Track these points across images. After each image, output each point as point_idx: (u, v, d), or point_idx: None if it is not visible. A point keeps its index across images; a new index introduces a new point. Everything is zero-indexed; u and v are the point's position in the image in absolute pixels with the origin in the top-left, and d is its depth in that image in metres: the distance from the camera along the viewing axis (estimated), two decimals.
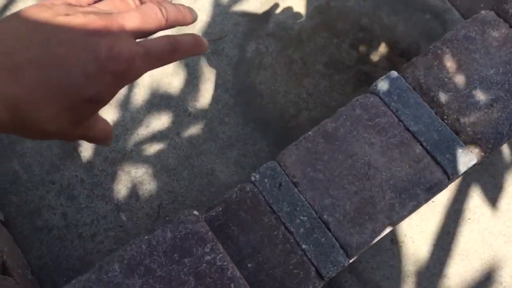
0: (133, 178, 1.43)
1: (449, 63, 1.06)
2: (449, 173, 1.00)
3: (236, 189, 1.03)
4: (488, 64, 1.06)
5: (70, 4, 0.34)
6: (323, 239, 0.98)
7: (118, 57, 0.32)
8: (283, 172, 1.03)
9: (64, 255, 1.39)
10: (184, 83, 1.51)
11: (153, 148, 1.45)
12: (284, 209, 1.00)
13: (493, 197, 1.33)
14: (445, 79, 1.05)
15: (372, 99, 1.06)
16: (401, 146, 1.02)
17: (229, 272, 0.86)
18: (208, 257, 0.87)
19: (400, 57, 1.48)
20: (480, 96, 1.03)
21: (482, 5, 1.50)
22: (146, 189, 1.42)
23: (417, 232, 1.31)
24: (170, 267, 0.86)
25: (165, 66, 1.51)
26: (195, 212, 0.93)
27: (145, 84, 1.50)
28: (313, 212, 1.00)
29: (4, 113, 0.30)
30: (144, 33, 0.35)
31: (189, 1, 1.58)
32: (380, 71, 1.47)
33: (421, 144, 1.02)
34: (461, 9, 1.50)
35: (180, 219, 0.91)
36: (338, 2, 1.56)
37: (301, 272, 0.96)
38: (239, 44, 1.54)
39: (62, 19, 0.32)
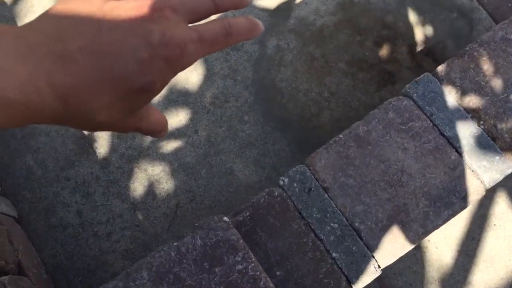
0: (150, 176, 1.40)
1: (486, 66, 1.02)
2: (486, 181, 0.96)
3: (264, 193, 1.00)
4: None
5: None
6: (354, 248, 0.94)
7: (171, 42, 0.30)
8: (312, 176, 0.99)
9: (79, 254, 1.35)
10: (202, 79, 1.47)
11: (170, 146, 1.41)
12: (314, 215, 0.97)
13: None
14: (482, 83, 1.01)
15: (405, 102, 1.02)
16: (436, 152, 0.98)
17: (261, 283, 0.83)
18: (239, 266, 0.84)
19: (425, 56, 1.44)
20: None
21: (510, 4, 1.46)
22: (163, 188, 1.39)
23: (441, 237, 1.28)
24: (200, 276, 0.82)
25: None
26: (225, 218, 0.90)
27: None
28: (344, 219, 0.96)
29: (57, 103, 0.29)
30: (197, 18, 0.33)
31: None
32: (404, 71, 1.43)
33: (457, 150, 0.99)
34: (488, 8, 1.46)
35: (210, 225, 0.88)
36: None
37: (332, 282, 0.93)
38: (259, 39, 1.50)
39: (114, 5, 0.31)
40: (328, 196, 0.98)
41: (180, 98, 1.45)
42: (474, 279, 1.26)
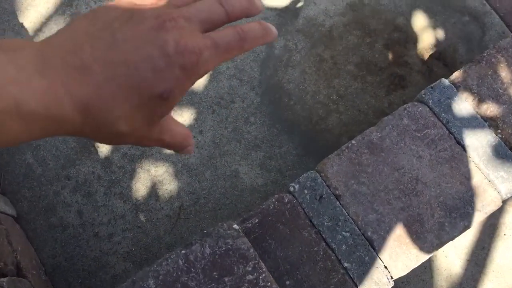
0: (153, 177, 1.37)
1: (504, 73, 0.99)
2: (503, 192, 0.94)
3: (273, 200, 0.97)
4: None
5: (135, 3, 0.33)
6: (366, 258, 0.92)
7: (186, 51, 0.31)
8: (324, 183, 0.96)
9: (79, 255, 1.32)
10: (207, 79, 1.44)
11: None
12: (325, 223, 0.94)
13: None
14: (500, 90, 0.98)
15: (420, 108, 0.99)
16: (452, 160, 0.96)
17: None
18: (250, 277, 0.81)
19: (436, 60, 1.41)
20: None
21: None
22: (166, 189, 1.35)
23: (450, 246, 1.25)
24: (209, 286, 0.79)
25: None
26: (235, 226, 0.87)
27: None
28: (356, 228, 0.93)
29: (76, 113, 0.30)
30: (210, 27, 0.34)
31: None
32: (415, 74, 1.41)
33: (473, 160, 0.96)
34: (500, 12, 1.44)
35: (219, 233, 0.85)
36: None
37: None
38: None
39: (128, 16, 0.32)
40: (340, 204, 0.95)
41: (185, 97, 1.42)
42: None
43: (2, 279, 1.08)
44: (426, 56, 1.42)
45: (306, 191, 0.97)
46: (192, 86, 1.41)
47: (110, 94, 0.31)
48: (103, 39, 0.31)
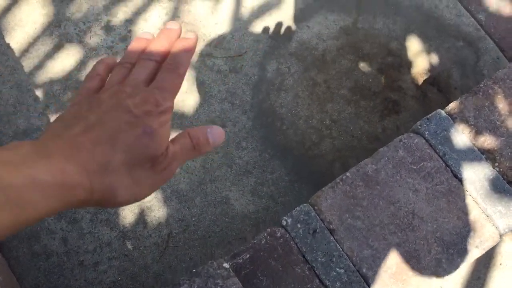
0: (141, 203, 1.33)
1: (501, 105, 0.98)
2: (501, 228, 0.91)
3: (265, 234, 0.93)
4: None
5: (118, 89, 0.42)
6: None
7: (143, 103, 0.41)
8: (317, 217, 0.93)
9: (63, 284, 1.27)
10: (198, 102, 1.41)
11: None
12: (319, 259, 0.91)
13: None
14: (497, 122, 0.96)
15: (416, 140, 0.97)
16: (449, 194, 0.93)
17: None
18: None
19: (430, 85, 1.40)
20: None
21: None
22: (154, 216, 1.32)
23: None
24: None
25: None
26: (226, 265, 0.83)
27: None
28: (351, 264, 0.90)
29: (85, 180, 0.36)
30: (152, 76, 0.44)
31: (207, 14, 1.48)
32: (409, 100, 1.39)
33: (471, 194, 0.93)
34: (495, 37, 1.43)
35: (208, 272, 0.81)
36: (365, 23, 1.47)
37: None
38: (259, 62, 1.44)
39: (98, 100, 0.42)
40: (334, 238, 0.92)
41: (175, 121, 1.39)
42: None
43: None
44: (420, 81, 1.40)
45: (299, 225, 0.94)
46: (183, 110, 1.38)
47: (104, 167, 0.37)
48: (84, 117, 0.40)
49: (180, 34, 0.47)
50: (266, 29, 1.46)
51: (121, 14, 1.48)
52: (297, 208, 0.95)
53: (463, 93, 1.34)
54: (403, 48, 1.44)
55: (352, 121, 1.38)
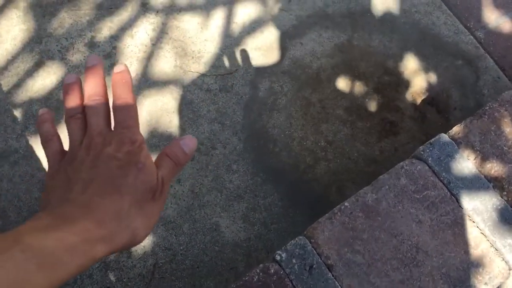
0: None
1: (509, 129, 0.92)
2: (511, 262, 0.85)
3: (258, 270, 0.86)
4: None
5: (89, 143, 0.45)
6: None
7: (120, 147, 0.44)
8: (314, 251, 0.86)
9: None
10: (186, 122, 1.34)
11: None
12: None
13: None
14: (504, 148, 0.90)
15: (419, 167, 0.91)
16: (455, 226, 0.86)
17: None
18: None
19: (429, 105, 1.34)
20: None
21: None
22: (140, 245, 1.23)
23: None
24: None
25: (166, 102, 1.34)
26: None
27: (143, 122, 1.32)
28: None
29: (101, 249, 0.38)
30: (109, 120, 0.48)
31: (196, 30, 1.41)
32: (407, 120, 1.33)
33: (478, 225, 0.87)
34: (494, 56, 1.38)
35: None
36: (361, 41, 1.42)
37: None
38: (250, 81, 1.38)
39: (93, 156, 0.45)
40: (333, 275, 0.85)
41: (162, 142, 1.31)
42: None
43: None
44: (418, 100, 1.35)
45: (294, 261, 0.86)
46: (170, 131, 1.31)
47: (118, 214, 0.40)
48: (82, 179, 0.42)
49: (102, 66, 0.50)
50: (257, 46, 1.40)
51: (106, 30, 1.41)
52: (292, 241, 0.87)
53: (463, 114, 1.28)
54: (400, 67, 1.38)
55: (348, 142, 1.32)
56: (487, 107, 0.95)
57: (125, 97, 0.47)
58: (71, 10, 1.43)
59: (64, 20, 1.42)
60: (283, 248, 0.88)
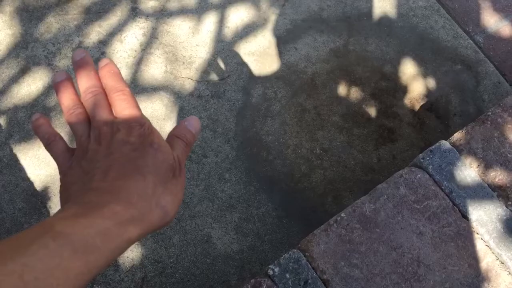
0: None
1: None
2: None
3: (249, 286, 0.81)
4: None
5: (99, 133, 0.45)
6: None
7: (130, 130, 0.44)
8: (309, 265, 0.81)
9: None
10: None
11: None
12: None
13: None
14: (509, 155, 0.86)
15: (419, 175, 0.86)
16: (458, 238, 0.82)
17: None
18: None
19: (428, 111, 1.30)
20: None
21: None
22: (127, 257, 1.18)
23: None
24: None
25: (157, 109, 1.29)
26: None
27: None
28: None
29: (134, 229, 0.38)
30: (109, 108, 0.47)
31: (187, 35, 1.37)
32: (405, 127, 1.28)
33: (482, 237, 0.82)
34: (495, 61, 1.34)
35: None
36: (357, 45, 1.38)
37: None
38: (243, 87, 1.33)
39: (105, 145, 0.44)
40: None
41: None
42: None
43: None
44: (416, 106, 1.30)
45: (288, 275, 0.81)
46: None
47: (145, 194, 0.40)
48: (100, 168, 0.41)
49: (90, 57, 0.49)
50: (251, 51, 1.36)
51: (94, 35, 1.36)
52: (286, 255, 0.82)
53: (463, 120, 1.24)
54: (397, 72, 1.34)
55: (345, 150, 1.27)
56: (490, 113, 0.91)
57: (119, 86, 0.46)
58: (58, 15, 1.39)
59: (51, 24, 1.37)
60: (276, 262, 0.83)
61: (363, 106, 1.31)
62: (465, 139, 0.89)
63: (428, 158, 0.88)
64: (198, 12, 1.41)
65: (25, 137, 1.25)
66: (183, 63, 1.35)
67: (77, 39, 1.36)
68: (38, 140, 1.27)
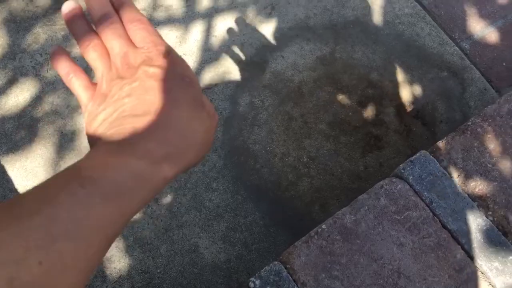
0: None
1: (492, 145, 0.88)
2: (498, 287, 0.80)
3: None
4: None
5: (122, 65, 0.40)
6: None
7: (148, 58, 0.39)
8: (290, 277, 0.81)
9: None
10: None
11: None
12: None
13: None
14: (488, 165, 0.86)
15: (399, 186, 0.86)
16: (438, 249, 0.82)
17: None
18: None
19: (414, 119, 1.30)
20: None
21: (504, 64, 1.34)
22: (115, 267, 1.18)
23: None
24: None
25: None
26: None
27: None
28: None
29: (169, 168, 0.35)
30: (128, 39, 0.41)
31: (174, 44, 1.37)
32: (392, 134, 1.29)
33: (463, 247, 0.82)
34: (481, 67, 1.34)
35: None
36: (344, 53, 1.38)
37: None
38: (230, 95, 1.34)
39: (130, 75, 0.39)
40: None
41: None
42: None
43: None
44: (403, 114, 1.31)
45: None
46: None
47: (179, 128, 0.37)
48: (129, 102, 0.37)
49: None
50: (237, 60, 1.36)
51: None
52: (267, 267, 0.83)
53: (449, 127, 1.24)
54: (384, 79, 1.35)
55: (332, 158, 1.27)
56: (470, 123, 0.91)
57: (136, 16, 0.41)
58: (46, 25, 1.39)
59: (39, 35, 1.38)
60: (257, 274, 0.83)
61: (350, 114, 1.31)
62: (446, 149, 0.89)
63: (408, 169, 0.88)
64: (185, 21, 1.41)
65: (13, 148, 1.25)
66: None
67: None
68: (26, 151, 1.27)
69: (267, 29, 1.41)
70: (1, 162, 1.24)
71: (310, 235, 0.85)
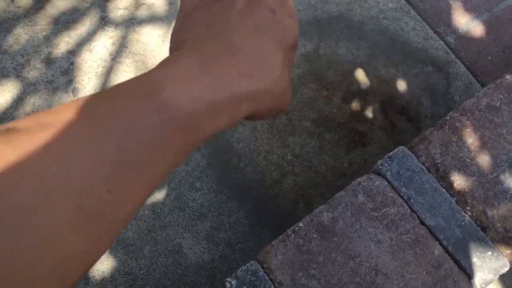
0: None
1: (471, 140, 0.86)
2: (477, 283, 0.79)
3: None
4: None
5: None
6: None
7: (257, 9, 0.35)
8: (266, 277, 0.80)
9: None
10: None
11: None
12: None
13: None
14: (467, 159, 0.85)
15: (377, 182, 0.85)
16: (416, 245, 0.81)
17: None
18: None
19: (399, 114, 1.29)
20: (511, 182, 0.84)
21: (489, 58, 1.33)
22: (97, 270, 1.17)
23: None
24: None
25: None
26: None
27: None
28: None
29: (247, 105, 0.31)
30: None
31: (157, 43, 1.36)
32: (376, 130, 1.28)
33: (441, 243, 0.81)
34: (466, 61, 1.33)
35: None
36: (328, 49, 1.37)
37: None
38: None
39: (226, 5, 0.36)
40: None
41: None
42: None
43: None
44: (388, 109, 1.30)
45: None
46: None
47: (272, 62, 0.33)
48: (229, 24, 0.34)
49: None
50: None
51: (63, 45, 1.35)
52: (243, 267, 0.82)
53: (434, 122, 1.23)
54: (368, 75, 1.33)
55: (316, 155, 1.26)
56: (448, 117, 0.90)
57: None
58: (27, 26, 1.38)
59: (19, 36, 1.37)
60: (233, 274, 0.82)
61: (334, 110, 1.30)
62: (424, 145, 0.88)
63: (386, 165, 0.87)
64: (168, 19, 1.40)
65: None
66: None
67: (46, 50, 1.35)
68: None
69: None
70: None
71: (287, 233, 0.83)
